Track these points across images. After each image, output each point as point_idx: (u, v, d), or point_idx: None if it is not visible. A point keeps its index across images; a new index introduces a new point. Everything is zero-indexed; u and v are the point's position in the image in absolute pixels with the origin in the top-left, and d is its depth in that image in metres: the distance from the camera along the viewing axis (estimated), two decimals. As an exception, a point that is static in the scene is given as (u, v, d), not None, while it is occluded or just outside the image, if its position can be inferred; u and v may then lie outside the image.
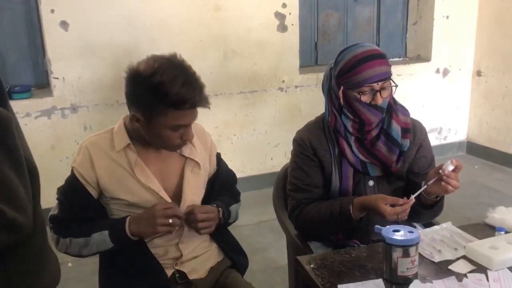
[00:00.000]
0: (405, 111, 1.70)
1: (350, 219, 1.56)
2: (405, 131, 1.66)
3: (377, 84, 1.56)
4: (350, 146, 1.65)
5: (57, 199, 1.50)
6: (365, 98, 1.57)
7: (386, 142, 1.64)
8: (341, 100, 1.61)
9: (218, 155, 1.67)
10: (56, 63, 3.28)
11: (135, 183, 1.47)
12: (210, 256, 1.62)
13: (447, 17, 4.34)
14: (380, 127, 1.65)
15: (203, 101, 1.38)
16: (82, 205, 1.47)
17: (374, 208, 1.49)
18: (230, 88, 3.76)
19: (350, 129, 1.64)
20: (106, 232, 1.44)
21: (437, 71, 4.45)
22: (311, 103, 3.94)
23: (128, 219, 1.45)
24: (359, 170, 1.66)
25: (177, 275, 1.55)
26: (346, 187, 1.67)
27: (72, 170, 1.49)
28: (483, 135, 4.54)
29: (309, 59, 4.21)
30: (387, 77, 1.57)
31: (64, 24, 3.24)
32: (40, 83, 3.51)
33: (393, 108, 1.67)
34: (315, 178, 1.69)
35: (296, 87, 3.96)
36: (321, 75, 3.94)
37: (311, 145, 1.69)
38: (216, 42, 3.65)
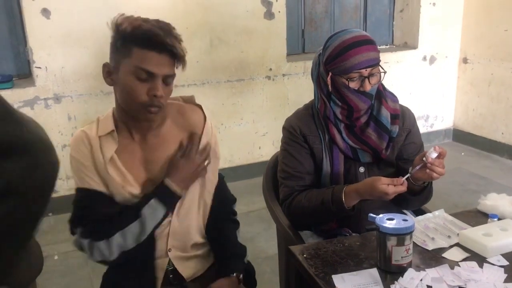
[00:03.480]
0: (394, 98, 1.69)
1: (343, 207, 1.54)
2: (394, 117, 1.65)
3: (366, 70, 1.54)
4: (340, 132, 1.64)
5: (76, 206, 1.41)
6: (353, 85, 1.55)
7: (376, 128, 1.63)
8: (330, 86, 1.59)
9: (221, 177, 1.60)
10: (38, 52, 3.20)
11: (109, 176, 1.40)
12: (202, 258, 1.56)
13: (434, 4, 4.34)
14: (369, 113, 1.64)
15: (172, 43, 1.29)
16: (99, 203, 1.39)
17: (371, 191, 1.46)
18: (217, 76, 3.72)
19: (339, 116, 1.63)
20: (152, 201, 1.38)
21: (424, 58, 4.45)
22: (298, 91, 3.91)
23: (168, 179, 1.40)
24: (349, 156, 1.65)
25: (171, 275, 1.50)
26: (337, 173, 1.65)
27: None
28: (469, 122, 4.57)
29: (296, 47, 4.17)
30: (375, 63, 1.55)
31: (45, 12, 3.15)
32: (22, 72, 3.42)
33: (382, 95, 1.65)
34: (306, 165, 1.67)
35: (284, 75, 3.93)
36: (308, 63, 3.94)
37: (301, 132, 1.67)
38: (202, 30, 3.59)
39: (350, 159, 1.65)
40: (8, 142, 0.83)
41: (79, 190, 1.41)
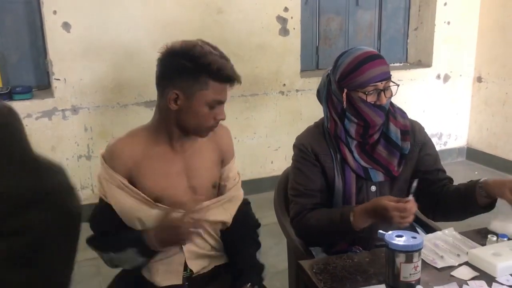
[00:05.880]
0: (403, 113, 1.71)
1: (350, 228, 1.51)
2: (405, 133, 1.66)
3: (381, 83, 1.56)
4: (351, 152, 1.64)
5: (93, 214, 1.53)
6: (370, 98, 1.57)
7: (386, 145, 1.64)
8: (345, 103, 1.60)
9: (246, 202, 1.69)
10: (57, 64, 3.28)
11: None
12: (212, 257, 1.61)
13: (448, 23, 4.35)
14: (380, 131, 1.65)
15: (238, 75, 1.43)
16: (109, 224, 1.50)
17: (376, 207, 1.45)
18: (231, 91, 3.75)
19: (353, 134, 1.63)
20: (129, 250, 1.44)
21: (438, 76, 4.45)
22: (311, 107, 3.92)
23: (149, 237, 1.43)
24: (361, 176, 1.65)
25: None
26: (349, 192, 1.65)
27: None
28: (483, 141, 4.54)
29: (310, 63, 4.21)
30: (389, 76, 1.58)
31: (66, 25, 3.24)
32: (41, 84, 3.51)
33: (390, 111, 1.67)
34: (318, 183, 1.67)
35: (297, 91, 3.96)
36: (322, 79, 3.95)
37: (313, 150, 1.68)
38: (217, 44, 3.59)
39: (362, 178, 1.66)
40: (29, 194, 0.83)
41: (99, 200, 1.51)
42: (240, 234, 1.60)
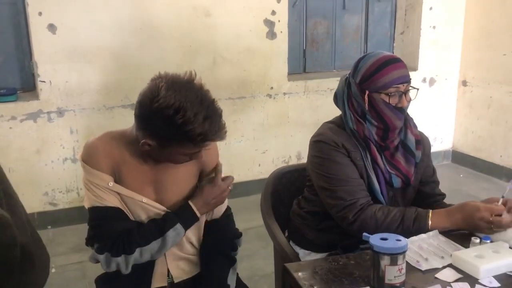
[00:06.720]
0: (414, 123, 1.73)
1: (425, 230, 1.51)
2: (417, 142, 1.69)
3: (403, 85, 1.58)
4: (380, 154, 1.63)
5: (91, 225, 1.46)
6: (392, 101, 1.58)
7: (404, 153, 1.66)
8: (366, 105, 1.60)
9: (229, 210, 1.64)
10: (43, 66, 3.25)
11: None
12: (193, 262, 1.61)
13: (434, 27, 4.40)
14: (400, 137, 1.67)
15: (222, 135, 1.36)
16: (114, 220, 1.43)
17: (464, 207, 1.48)
18: (219, 94, 3.74)
19: (375, 137, 1.63)
20: (178, 225, 1.45)
21: (424, 80, 4.50)
22: (299, 110, 3.95)
23: (192, 202, 1.48)
24: (386, 180, 1.64)
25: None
26: (384, 196, 1.63)
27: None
28: (468, 144, 4.59)
29: (297, 66, 4.23)
30: (409, 80, 1.60)
31: (52, 27, 3.21)
32: (27, 86, 3.47)
33: (407, 118, 1.68)
34: (357, 173, 1.60)
35: (285, 94, 3.97)
36: (309, 83, 3.98)
37: (344, 146, 1.61)
38: (205, 48, 3.65)
39: (385, 182, 1.65)
40: None
41: (93, 209, 1.43)
42: (213, 250, 1.57)
